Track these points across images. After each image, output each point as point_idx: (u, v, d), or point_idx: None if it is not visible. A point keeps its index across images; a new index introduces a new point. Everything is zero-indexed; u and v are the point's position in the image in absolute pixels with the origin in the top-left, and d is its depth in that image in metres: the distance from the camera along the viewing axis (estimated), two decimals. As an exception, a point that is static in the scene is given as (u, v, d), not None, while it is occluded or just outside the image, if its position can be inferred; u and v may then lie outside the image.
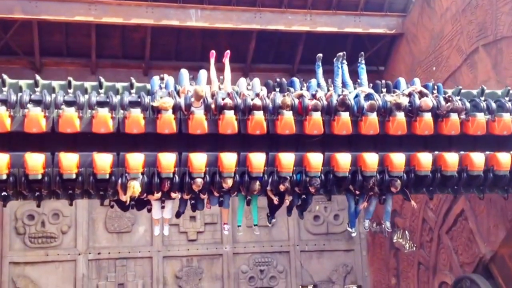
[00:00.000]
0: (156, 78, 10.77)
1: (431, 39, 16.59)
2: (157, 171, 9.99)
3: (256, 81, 11.08)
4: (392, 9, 18.42)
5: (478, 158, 11.06)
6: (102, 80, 10.32)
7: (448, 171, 10.98)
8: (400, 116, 10.76)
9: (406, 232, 17.53)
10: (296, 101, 10.54)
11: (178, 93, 10.41)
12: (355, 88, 11.49)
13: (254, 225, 11.54)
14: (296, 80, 11.51)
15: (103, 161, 9.64)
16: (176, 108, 10.03)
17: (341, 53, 12.08)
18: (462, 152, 11.23)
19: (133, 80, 10.51)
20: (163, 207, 10.76)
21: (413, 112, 10.94)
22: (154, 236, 18.74)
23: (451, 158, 10.97)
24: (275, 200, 10.80)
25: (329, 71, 19.49)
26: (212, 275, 19.95)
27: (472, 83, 14.78)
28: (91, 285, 19.10)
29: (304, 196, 10.94)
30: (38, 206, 10.55)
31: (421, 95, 11.19)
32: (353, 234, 11.90)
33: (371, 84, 11.77)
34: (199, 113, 10.06)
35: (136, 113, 9.84)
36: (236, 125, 10.17)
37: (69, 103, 9.76)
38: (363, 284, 20.64)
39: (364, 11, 18.23)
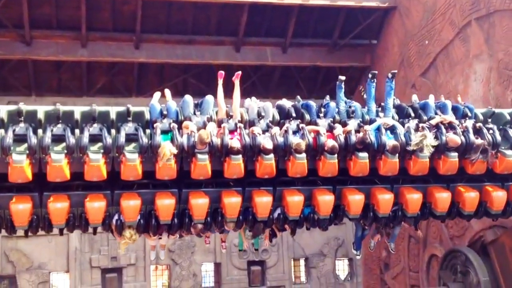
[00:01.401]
0: (156, 104, 9.55)
1: (424, 12, 16.51)
2: (154, 214, 9.25)
3: (268, 106, 9.93)
4: (385, -18, 18.31)
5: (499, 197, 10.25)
6: (95, 107, 9.13)
7: (466, 211, 10.24)
8: (423, 157, 9.59)
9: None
10: (311, 138, 9.38)
11: (180, 124, 9.26)
12: (377, 113, 10.35)
13: (239, 251, 11.04)
14: (312, 105, 10.19)
15: (96, 210, 8.87)
16: (178, 151, 8.89)
17: (370, 73, 10.82)
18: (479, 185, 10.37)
19: (130, 107, 9.30)
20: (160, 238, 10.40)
21: (438, 150, 9.70)
22: None
23: (470, 197, 10.13)
24: (278, 234, 10.63)
25: (321, 45, 19.53)
26: (204, 249, 20.05)
27: (464, 57, 14.77)
28: (83, 258, 19.20)
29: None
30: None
31: (450, 127, 9.99)
32: (358, 257, 11.59)
33: (395, 110, 10.56)
34: (203, 158, 8.87)
35: (133, 160, 8.68)
36: (243, 170, 9.12)
37: (57, 140, 8.66)
38: (354, 257, 20.84)
39: (357, -16, 18.10)
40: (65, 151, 8.56)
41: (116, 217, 9.23)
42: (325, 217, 9.76)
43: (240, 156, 8.95)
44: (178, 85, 19.91)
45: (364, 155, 9.42)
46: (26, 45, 17.50)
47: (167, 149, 8.59)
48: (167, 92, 10.14)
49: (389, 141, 9.53)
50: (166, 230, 9.68)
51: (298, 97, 10.74)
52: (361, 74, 20.28)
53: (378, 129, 9.69)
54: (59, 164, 8.42)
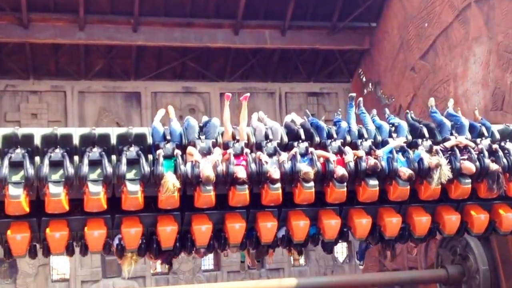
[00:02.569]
0: (158, 127, 9.18)
1: (424, -6, 16.41)
2: (156, 240, 9.02)
3: (276, 128, 9.54)
4: (384, -36, 18.18)
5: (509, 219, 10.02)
6: (95, 131, 8.86)
7: (474, 232, 10.09)
8: (436, 185, 9.30)
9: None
10: (319, 164, 9.03)
11: (184, 149, 8.96)
12: (390, 133, 9.97)
13: (241, 262, 10.65)
14: (323, 127, 9.77)
15: (96, 239, 8.68)
16: (181, 180, 8.57)
17: (349, 96, 10.52)
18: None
19: (131, 130, 9.06)
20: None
21: (451, 171, 9.35)
22: None
23: (479, 220, 9.90)
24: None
25: (320, 27, 19.39)
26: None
27: (464, 40, 14.71)
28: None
29: None
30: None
31: (465, 150, 9.67)
32: (361, 267, 11.37)
33: (408, 128, 10.17)
34: (207, 189, 8.57)
35: (135, 193, 8.38)
36: (248, 199, 8.82)
37: (55, 165, 8.39)
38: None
39: (356, -34, 17.98)
40: (64, 181, 8.27)
41: (116, 241, 9.01)
42: (330, 241, 9.58)
43: (245, 186, 8.66)
44: (177, 68, 19.85)
45: (374, 183, 9.11)
46: (23, 28, 17.37)
47: (171, 184, 8.32)
48: (171, 109, 9.82)
49: (401, 168, 9.19)
50: (169, 255, 9.55)
51: (307, 111, 10.46)
52: (360, 57, 20.22)
53: (390, 152, 9.40)
54: (57, 198, 8.17)
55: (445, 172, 9.19)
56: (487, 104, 13.76)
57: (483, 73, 13.96)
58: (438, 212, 9.90)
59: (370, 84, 19.60)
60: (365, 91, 19.88)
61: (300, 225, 9.14)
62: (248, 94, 9.80)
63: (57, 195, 8.15)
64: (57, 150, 8.55)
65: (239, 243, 9.25)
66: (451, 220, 9.80)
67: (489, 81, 13.73)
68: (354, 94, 10.38)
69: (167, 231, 8.80)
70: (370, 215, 9.52)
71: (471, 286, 13.59)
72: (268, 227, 9.08)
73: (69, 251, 9.04)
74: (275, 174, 8.69)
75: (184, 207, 8.88)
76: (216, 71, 20.17)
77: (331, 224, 9.27)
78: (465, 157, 9.56)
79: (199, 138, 9.09)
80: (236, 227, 8.99)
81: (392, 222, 9.52)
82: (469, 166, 9.41)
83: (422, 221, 9.63)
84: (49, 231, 8.54)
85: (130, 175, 8.52)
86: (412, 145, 9.82)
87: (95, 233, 8.63)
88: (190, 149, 8.84)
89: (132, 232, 8.70)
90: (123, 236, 8.77)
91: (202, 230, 8.85)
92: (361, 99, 10.45)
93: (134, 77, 19.60)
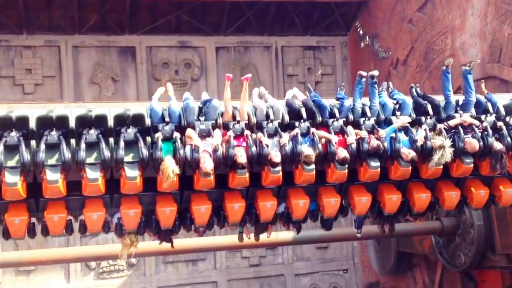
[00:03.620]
0: (157, 107, 8.96)
1: None
2: (155, 219, 8.99)
3: (278, 107, 9.32)
4: None
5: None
6: (91, 112, 8.68)
7: (473, 207, 10.23)
8: (436, 165, 9.19)
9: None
10: (321, 146, 8.90)
11: (183, 130, 8.77)
12: (393, 111, 9.72)
13: (240, 232, 10.37)
14: (325, 106, 9.48)
15: (95, 221, 8.68)
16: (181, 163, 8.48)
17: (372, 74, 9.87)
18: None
19: (129, 111, 8.85)
20: None
21: (454, 152, 9.22)
22: None
23: (479, 196, 9.86)
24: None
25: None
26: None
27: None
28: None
29: None
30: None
31: (470, 129, 9.47)
32: (359, 235, 11.35)
33: (413, 105, 9.89)
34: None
35: (134, 178, 8.31)
36: (248, 181, 8.78)
37: (51, 148, 8.24)
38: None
39: None
40: (61, 165, 8.16)
41: (115, 220, 8.99)
42: (330, 218, 9.62)
43: (245, 170, 8.60)
44: (171, 22, 19.59)
45: (376, 164, 9.03)
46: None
47: (170, 170, 8.24)
48: (170, 87, 9.47)
49: (403, 149, 9.09)
50: (168, 234, 9.55)
51: (309, 86, 10.18)
52: (357, 10, 19.94)
53: (393, 132, 9.24)
54: (55, 185, 8.09)
55: (447, 154, 9.10)
56: (485, 57, 13.67)
57: (481, 25, 13.82)
58: (438, 188, 9.85)
59: (367, 37, 19.40)
60: (362, 44, 19.72)
61: (300, 204, 9.18)
62: (250, 75, 9.48)
63: (54, 181, 8.08)
64: (53, 133, 8.38)
65: (238, 222, 9.29)
66: (451, 196, 9.79)
67: (486, 33, 13.61)
68: (364, 73, 9.77)
69: (167, 212, 8.81)
70: (370, 192, 9.47)
71: (465, 239, 13.77)
72: (268, 206, 9.11)
73: (68, 231, 9.01)
74: (276, 157, 8.61)
75: (183, 186, 8.80)
76: (211, 24, 19.90)
77: (331, 202, 9.30)
78: (469, 136, 9.40)
79: (199, 119, 8.89)
80: (235, 207, 8.99)
81: (392, 200, 9.52)
82: (473, 143, 9.25)
83: (422, 197, 9.63)
84: (47, 214, 8.54)
85: (128, 158, 8.41)
86: (416, 123, 9.66)
87: (94, 215, 8.65)
88: (189, 131, 8.69)
89: (131, 214, 8.71)
90: (122, 217, 8.81)
91: (202, 210, 8.88)
92: (366, 73, 9.91)
93: (128, 32, 19.35)
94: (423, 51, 16.20)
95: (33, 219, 8.96)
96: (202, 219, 8.99)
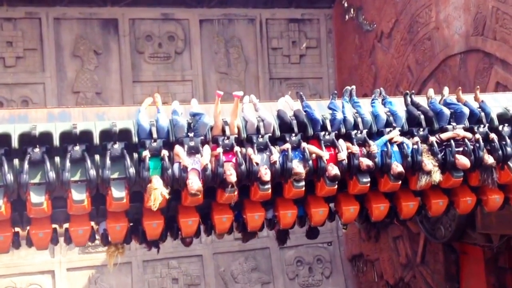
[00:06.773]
0: (144, 122, 8.60)
1: None
2: (141, 230, 9.04)
3: (269, 121, 9.03)
4: None
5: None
6: (76, 128, 8.31)
7: (459, 213, 10.40)
8: (427, 179, 9.15)
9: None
10: (311, 162, 8.80)
11: (171, 146, 8.52)
12: (387, 122, 9.49)
13: None
14: (318, 119, 9.23)
15: (80, 236, 8.67)
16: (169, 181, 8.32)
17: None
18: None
19: (115, 126, 8.45)
20: None
21: (444, 167, 9.21)
22: None
23: (466, 203, 9.88)
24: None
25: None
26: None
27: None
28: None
29: None
30: None
31: (462, 142, 9.34)
32: (344, 231, 11.25)
33: (406, 115, 9.70)
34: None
35: (120, 199, 8.12)
36: (237, 198, 8.62)
37: (35, 165, 7.96)
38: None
39: None
40: (45, 186, 7.91)
41: (101, 230, 9.02)
42: (317, 225, 9.74)
43: (234, 188, 8.43)
44: (155, -6, 19.34)
45: (366, 180, 8.98)
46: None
47: (158, 193, 8.05)
48: (158, 98, 9.12)
49: (394, 164, 8.99)
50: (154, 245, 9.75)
51: (301, 94, 9.87)
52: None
53: (385, 145, 9.12)
54: (39, 208, 7.89)
55: (435, 179, 9.11)
56: (469, 29, 13.66)
57: (465, -3, 13.80)
58: (426, 195, 9.87)
59: (352, 9, 19.28)
60: (347, 17, 19.61)
61: (288, 215, 9.27)
62: (242, 93, 9.11)
63: (39, 204, 7.87)
64: (36, 150, 8.07)
65: (226, 232, 9.43)
66: (438, 204, 9.84)
67: (470, 6, 13.56)
68: (350, 87, 9.86)
69: (153, 226, 8.80)
70: (358, 200, 9.54)
71: (447, 213, 13.91)
72: (255, 218, 9.18)
73: (54, 242, 8.98)
74: (266, 176, 8.50)
75: (171, 197, 8.50)
76: (195, -4, 19.72)
77: (319, 213, 9.38)
78: (460, 149, 9.29)
79: (187, 136, 8.62)
80: (223, 219, 9.02)
81: (380, 209, 9.58)
82: (464, 162, 9.16)
83: (409, 206, 9.69)
84: (32, 230, 8.55)
85: (115, 175, 8.19)
86: (408, 134, 9.54)
87: (80, 231, 8.63)
88: (177, 149, 8.43)
89: (117, 228, 8.72)
90: (108, 231, 8.80)
91: (189, 223, 8.91)
92: (353, 87, 9.93)
93: (111, 3, 19.05)
94: (407, 23, 16.14)
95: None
96: (189, 230, 9.07)
